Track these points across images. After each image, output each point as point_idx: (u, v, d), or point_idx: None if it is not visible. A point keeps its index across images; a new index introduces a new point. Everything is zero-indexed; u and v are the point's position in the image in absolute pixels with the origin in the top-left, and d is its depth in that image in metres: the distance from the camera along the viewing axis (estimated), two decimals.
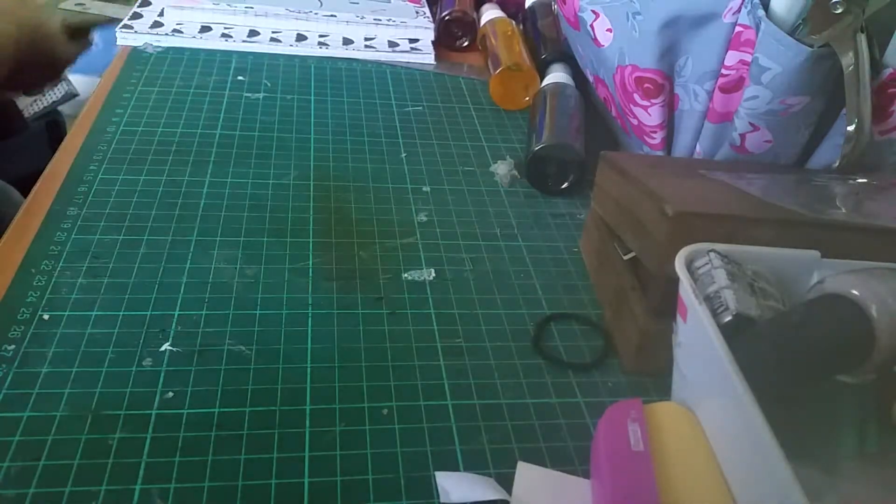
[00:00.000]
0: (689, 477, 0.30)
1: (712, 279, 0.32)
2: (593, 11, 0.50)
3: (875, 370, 0.31)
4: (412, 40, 0.75)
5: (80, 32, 0.78)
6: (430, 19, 0.77)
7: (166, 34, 0.70)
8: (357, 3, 0.77)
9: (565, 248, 0.50)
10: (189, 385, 0.37)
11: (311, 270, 0.45)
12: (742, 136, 0.46)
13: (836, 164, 0.45)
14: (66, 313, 0.40)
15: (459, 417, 0.37)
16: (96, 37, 0.88)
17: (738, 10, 0.43)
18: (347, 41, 0.73)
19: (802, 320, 0.32)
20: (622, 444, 0.30)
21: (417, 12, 0.78)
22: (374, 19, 0.74)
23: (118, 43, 0.70)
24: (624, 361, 0.41)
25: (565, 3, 0.53)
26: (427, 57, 0.73)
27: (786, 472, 0.24)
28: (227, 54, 0.70)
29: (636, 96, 0.50)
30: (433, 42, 0.75)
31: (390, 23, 0.75)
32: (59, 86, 0.84)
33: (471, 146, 0.61)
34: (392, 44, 0.74)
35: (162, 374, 0.37)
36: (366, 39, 0.74)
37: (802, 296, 0.34)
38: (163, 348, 0.39)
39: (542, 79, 0.65)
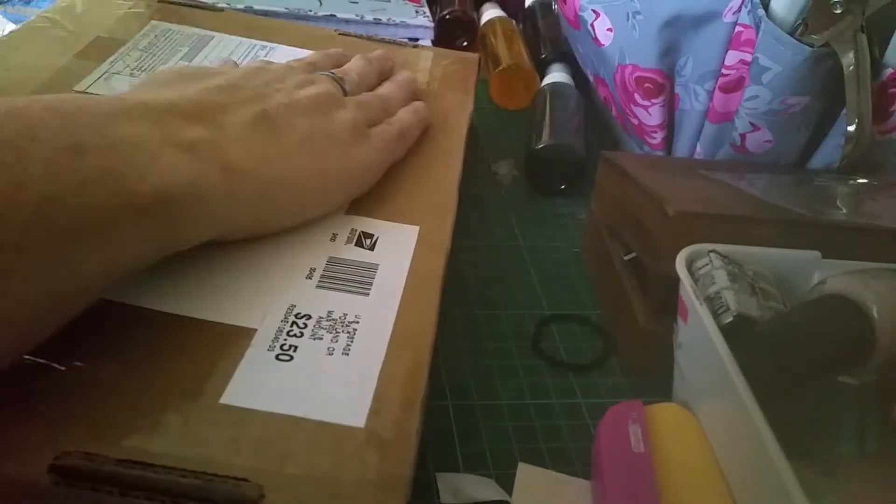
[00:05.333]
0: (690, 478, 0.30)
1: (713, 280, 0.32)
2: (594, 11, 0.50)
3: (875, 370, 0.31)
4: (412, 40, 0.75)
5: None
6: (430, 19, 0.77)
7: None
8: (357, 3, 0.76)
9: (565, 248, 0.50)
10: None
11: None
12: (742, 136, 0.46)
13: (837, 164, 0.45)
14: None
15: (459, 417, 0.37)
16: None
17: (739, 10, 0.43)
18: None
19: (803, 321, 0.32)
20: (623, 446, 0.30)
21: (417, 12, 0.77)
22: (374, 19, 0.74)
23: None
24: (624, 362, 0.41)
25: (565, 3, 0.53)
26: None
27: (786, 472, 0.24)
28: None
29: (636, 96, 0.50)
30: (433, 42, 0.75)
31: (390, 22, 0.74)
32: None
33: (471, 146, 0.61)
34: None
35: None
36: None
37: (803, 296, 0.34)
38: None
39: (542, 78, 0.65)
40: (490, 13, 0.76)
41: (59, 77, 0.42)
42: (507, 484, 0.33)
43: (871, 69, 0.41)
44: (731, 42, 0.44)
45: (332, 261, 0.33)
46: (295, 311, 0.30)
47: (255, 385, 0.26)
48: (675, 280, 0.32)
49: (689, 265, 0.33)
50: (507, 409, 0.38)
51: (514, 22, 0.75)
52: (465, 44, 0.77)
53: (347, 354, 0.28)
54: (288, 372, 0.27)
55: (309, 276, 0.32)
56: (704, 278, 0.33)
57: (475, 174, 0.57)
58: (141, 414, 0.24)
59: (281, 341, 0.28)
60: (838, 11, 0.40)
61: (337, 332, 0.29)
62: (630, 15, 0.48)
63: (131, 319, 0.28)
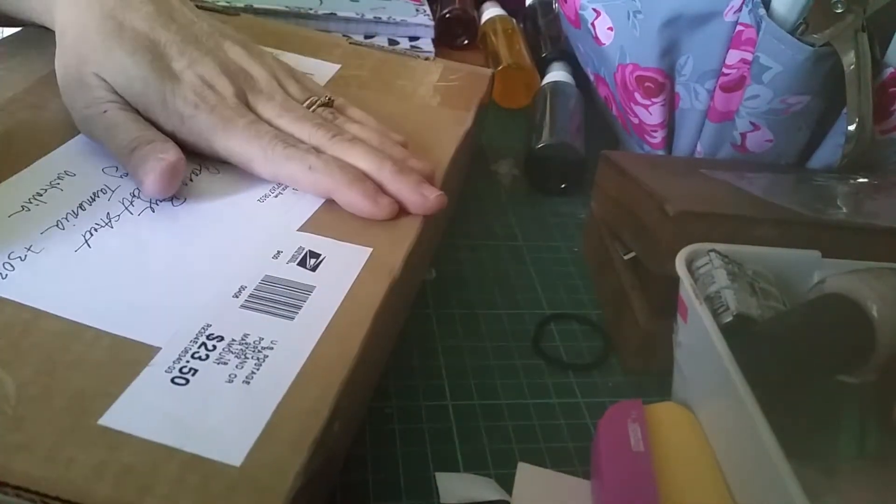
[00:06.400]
0: (690, 477, 0.30)
1: (713, 279, 0.32)
2: (594, 10, 0.50)
3: (876, 370, 0.31)
4: (412, 38, 0.75)
5: None
6: (431, 17, 0.77)
7: None
8: (357, 1, 0.76)
9: (565, 248, 0.50)
10: None
11: None
12: (743, 135, 0.46)
13: (837, 163, 0.45)
14: None
15: (459, 417, 0.37)
16: None
17: (740, 9, 0.43)
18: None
19: (803, 320, 0.32)
20: (622, 445, 0.30)
21: (417, 10, 0.77)
22: (374, 17, 0.74)
23: None
24: (624, 361, 0.41)
25: (566, 2, 0.53)
26: (427, 55, 0.73)
27: (786, 473, 0.24)
28: None
29: (637, 95, 0.50)
30: (433, 40, 0.75)
31: (390, 21, 0.74)
32: None
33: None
34: (392, 42, 0.74)
35: None
36: (366, 38, 0.74)
37: (803, 296, 0.34)
38: None
39: (542, 77, 0.65)
40: (490, 12, 0.76)
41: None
42: (507, 484, 0.33)
43: (872, 69, 0.41)
44: (732, 41, 0.44)
45: (266, 279, 0.31)
46: (208, 332, 0.28)
47: (141, 408, 0.24)
48: (675, 279, 0.32)
49: (689, 264, 0.33)
50: (507, 408, 0.38)
51: (514, 20, 0.75)
52: (465, 42, 0.77)
53: (248, 383, 0.26)
54: (179, 397, 0.25)
55: (236, 295, 0.30)
56: (704, 278, 0.33)
57: (475, 174, 0.57)
58: (16, 428, 0.23)
59: (182, 363, 0.26)
60: (839, 11, 0.40)
61: (245, 358, 0.27)
62: (630, 14, 0.48)
63: (35, 325, 0.26)
